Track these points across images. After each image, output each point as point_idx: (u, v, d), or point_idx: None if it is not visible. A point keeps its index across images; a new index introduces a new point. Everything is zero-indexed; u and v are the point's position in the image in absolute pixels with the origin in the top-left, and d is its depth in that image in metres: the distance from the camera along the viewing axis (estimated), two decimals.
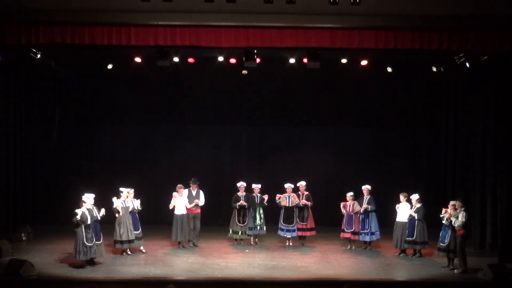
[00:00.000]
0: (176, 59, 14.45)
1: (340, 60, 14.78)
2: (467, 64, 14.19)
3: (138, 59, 14.68)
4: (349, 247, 14.38)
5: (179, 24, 12.11)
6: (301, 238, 14.76)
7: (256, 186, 14.77)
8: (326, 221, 15.78)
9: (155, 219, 16.03)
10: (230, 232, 14.74)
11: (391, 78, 16.28)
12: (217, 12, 11.79)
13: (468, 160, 15.37)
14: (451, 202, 12.58)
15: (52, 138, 17.05)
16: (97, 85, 16.99)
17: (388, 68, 15.73)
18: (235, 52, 14.18)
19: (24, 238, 14.74)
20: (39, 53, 14.26)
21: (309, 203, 14.55)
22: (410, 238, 13.48)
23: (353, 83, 16.50)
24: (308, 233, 14.75)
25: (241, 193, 14.64)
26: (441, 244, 12.64)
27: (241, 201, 14.49)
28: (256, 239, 14.86)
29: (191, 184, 14.38)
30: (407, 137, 17.36)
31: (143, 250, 13.77)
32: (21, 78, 16.00)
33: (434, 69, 15.79)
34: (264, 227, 14.79)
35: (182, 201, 14.11)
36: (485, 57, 13.46)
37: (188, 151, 17.29)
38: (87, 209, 12.22)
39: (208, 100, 17.21)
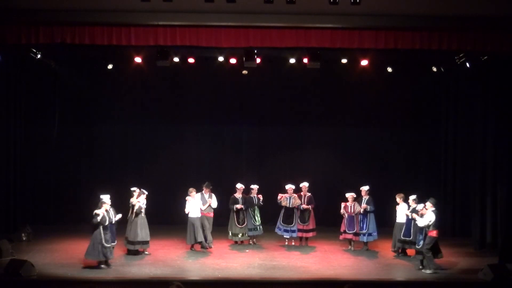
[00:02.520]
0: (176, 59, 14.45)
1: (340, 60, 14.76)
2: (467, 64, 14.18)
3: (138, 59, 14.66)
4: (349, 247, 14.37)
5: (179, 24, 12.09)
6: (302, 239, 14.75)
7: (255, 187, 14.76)
8: (326, 221, 15.77)
9: (155, 219, 15.96)
10: (230, 234, 14.73)
11: (391, 78, 16.27)
12: (217, 12, 11.77)
13: (468, 160, 15.37)
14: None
15: (52, 138, 17.04)
16: (97, 85, 16.97)
17: (388, 68, 15.73)
18: (235, 52, 14.16)
19: (24, 238, 14.74)
20: (39, 53, 14.25)
21: (309, 207, 14.54)
22: (408, 238, 13.43)
23: (353, 83, 16.48)
24: (310, 234, 14.74)
25: (239, 195, 14.61)
26: (416, 246, 12.77)
27: (238, 205, 14.46)
28: (254, 239, 14.87)
29: (204, 188, 14.30)
30: (407, 137, 17.33)
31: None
32: (21, 78, 15.98)
33: (434, 69, 15.78)
34: (261, 227, 14.81)
35: (196, 204, 14.01)
36: (485, 57, 13.46)
37: (188, 151, 17.27)
38: (106, 211, 12.27)
39: (208, 100, 17.19)
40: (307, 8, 11.74)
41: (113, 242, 12.54)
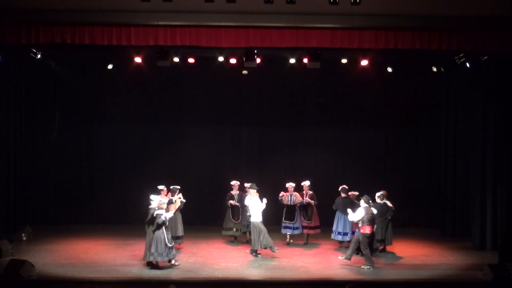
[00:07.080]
0: (176, 59, 14.45)
1: (340, 60, 14.78)
2: (467, 64, 14.20)
3: (138, 59, 14.66)
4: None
5: (179, 24, 12.09)
6: (305, 236, 14.81)
7: (248, 186, 14.75)
8: (326, 221, 15.76)
9: None
10: (224, 230, 14.83)
11: (391, 78, 16.27)
12: (217, 12, 11.77)
13: (468, 160, 15.37)
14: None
15: (52, 138, 17.03)
16: (97, 85, 16.98)
17: (388, 68, 15.73)
18: (235, 52, 14.18)
19: (24, 238, 14.73)
20: (39, 53, 14.28)
21: (312, 202, 14.58)
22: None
23: (353, 83, 16.49)
24: (312, 231, 14.82)
25: (235, 192, 14.64)
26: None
27: (232, 201, 14.49)
28: (250, 236, 14.86)
29: (249, 189, 13.88)
30: (407, 137, 17.35)
31: None
32: (21, 78, 15.98)
33: (434, 69, 15.80)
34: None
35: (258, 208, 13.62)
36: (485, 57, 13.46)
37: (188, 151, 17.26)
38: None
39: (208, 100, 17.20)
40: (307, 8, 11.74)
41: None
